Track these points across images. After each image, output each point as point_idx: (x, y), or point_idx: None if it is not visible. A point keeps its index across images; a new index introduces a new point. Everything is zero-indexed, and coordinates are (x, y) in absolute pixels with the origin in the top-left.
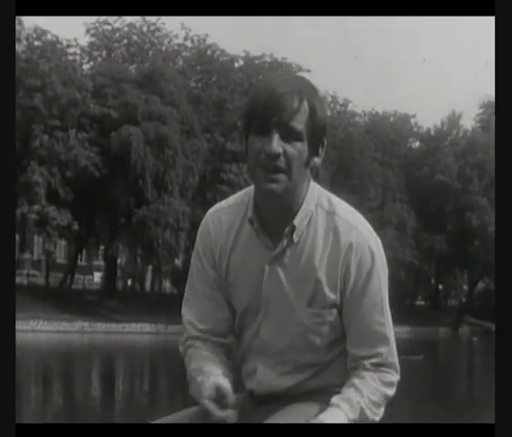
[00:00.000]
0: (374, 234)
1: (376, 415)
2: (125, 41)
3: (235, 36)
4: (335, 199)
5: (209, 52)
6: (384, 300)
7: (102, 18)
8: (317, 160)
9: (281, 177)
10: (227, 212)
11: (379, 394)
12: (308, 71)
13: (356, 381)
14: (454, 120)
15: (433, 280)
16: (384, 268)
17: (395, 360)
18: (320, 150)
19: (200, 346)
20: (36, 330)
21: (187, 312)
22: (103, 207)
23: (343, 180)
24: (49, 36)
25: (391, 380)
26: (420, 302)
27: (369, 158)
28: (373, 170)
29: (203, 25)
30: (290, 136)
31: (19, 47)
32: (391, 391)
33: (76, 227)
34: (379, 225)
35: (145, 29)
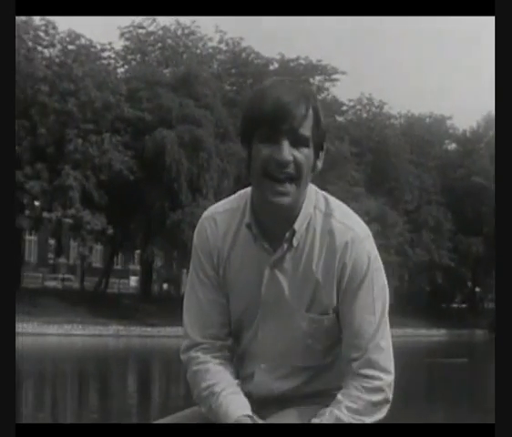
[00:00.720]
0: (371, 235)
1: (356, 421)
2: (159, 44)
3: (270, 39)
4: (332, 200)
5: (243, 55)
6: (377, 302)
7: (136, 22)
8: (319, 164)
9: (291, 188)
10: (223, 217)
11: (362, 402)
12: (343, 73)
13: (340, 393)
14: (490, 122)
15: (469, 283)
16: (380, 270)
17: (386, 361)
18: (321, 154)
19: (204, 359)
20: (71, 334)
21: (188, 319)
22: (138, 210)
23: (378, 183)
24: (83, 40)
25: (375, 385)
26: (457, 305)
27: (405, 161)
28: (408, 172)
29: (238, 28)
30: (298, 142)
31: (53, 51)
32: (377, 397)
33: (110, 231)
34: (415, 227)
35: (179, 32)
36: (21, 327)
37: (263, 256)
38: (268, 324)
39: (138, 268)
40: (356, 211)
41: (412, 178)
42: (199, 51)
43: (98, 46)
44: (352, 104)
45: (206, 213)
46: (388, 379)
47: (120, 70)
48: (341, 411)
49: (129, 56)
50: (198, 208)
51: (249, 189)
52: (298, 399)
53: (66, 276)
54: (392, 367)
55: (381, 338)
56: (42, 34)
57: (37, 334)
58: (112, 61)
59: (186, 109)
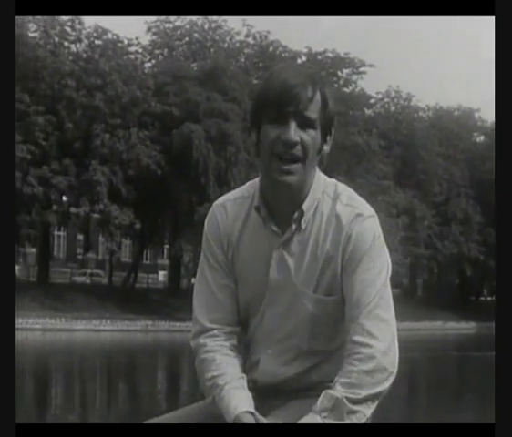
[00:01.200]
0: (376, 216)
1: (352, 394)
2: (186, 39)
3: (297, 32)
4: (341, 187)
5: (271, 49)
6: (378, 276)
7: (163, 16)
8: (326, 148)
9: (297, 167)
10: (233, 204)
11: (354, 374)
12: (371, 66)
13: (335, 377)
14: None
15: None
16: (384, 249)
17: (379, 330)
18: (328, 138)
19: (211, 347)
20: (99, 330)
21: (198, 303)
22: (166, 205)
23: (407, 176)
24: (110, 36)
25: (367, 353)
26: (486, 298)
27: (433, 153)
28: (437, 165)
29: (265, 21)
30: (305, 124)
31: (80, 47)
32: (369, 365)
33: (138, 225)
34: (444, 220)
35: (206, 27)
36: (49, 323)
37: (272, 238)
38: (275, 307)
39: (166, 262)
40: (385, 204)
41: (440, 171)
42: (226, 45)
43: (125, 41)
44: (380, 97)
45: (217, 201)
46: (380, 346)
47: (147, 65)
48: (335, 390)
49: (156, 51)
50: None
51: (257, 179)
52: (302, 390)
53: (95, 271)
54: (387, 337)
55: (376, 307)
56: (68, 29)
57: (66, 330)
58: (139, 56)
59: (213, 103)
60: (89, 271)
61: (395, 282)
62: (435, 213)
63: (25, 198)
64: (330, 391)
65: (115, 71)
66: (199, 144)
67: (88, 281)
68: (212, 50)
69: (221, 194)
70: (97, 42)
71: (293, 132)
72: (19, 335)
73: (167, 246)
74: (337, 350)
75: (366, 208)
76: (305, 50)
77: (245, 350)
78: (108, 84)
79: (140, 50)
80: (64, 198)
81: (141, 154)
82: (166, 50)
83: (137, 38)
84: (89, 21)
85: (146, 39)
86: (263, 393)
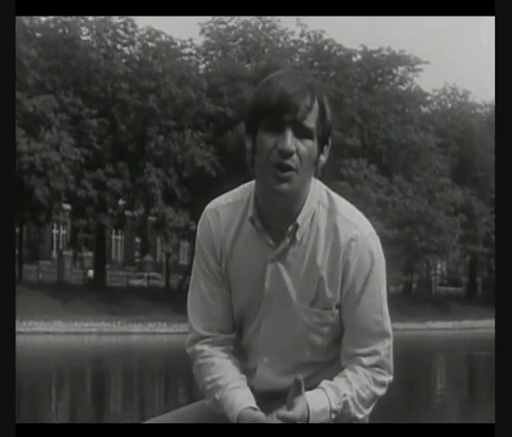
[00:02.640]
0: (374, 233)
1: (360, 413)
2: (240, 39)
3: (352, 31)
4: (335, 197)
5: (325, 47)
6: (383, 300)
7: (216, 17)
8: (323, 158)
9: (293, 175)
10: (226, 210)
11: (369, 392)
12: (426, 63)
13: (349, 373)
14: None
15: None
16: (383, 267)
17: (390, 361)
18: (325, 148)
19: (209, 352)
20: (156, 332)
21: (192, 312)
22: None
23: (464, 173)
24: (163, 37)
25: (383, 380)
26: None
27: (491, 150)
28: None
29: (319, 20)
30: (302, 134)
31: (133, 49)
32: (381, 391)
33: (194, 227)
34: None
35: (260, 27)
36: (105, 326)
37: (266, 250)
38: (271, 318)
39: None
40: (443, 202)
41: None
42: (280, 45)
43: (179, 43)
44: (436, 94)
45: (209, 206)
46: (390, 378)
47: (201, 66)
48: (352, 398)
49: (210, 52)
50: None
51: (253, 183)
52: None
53: (152, 274)
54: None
55: (387, 336)
56: (121, 32)
57: (122, 333)
58: (193, 57)
59: None
60: (146, 274)
61: (454, 281)
62: (494, 210)
63: (79, 201)
64: (348, 399)
65: (168, 73)
66: None
67: (145, 284)
68: (266, 50)
69: None
70: (150, 44)
71: (290, 141)
72: (75, 339)
73: None
74: (335, 359)
75: (364, 224)
76: (360, 48)
77: (241, 355)
78: (162, 86)
79: (194, 52)
80: (120, 202)
81: (196, 155)
82: (220, 51)
83: (190, 40)
84: (142, 23)
85: (199, 40)
86: (261, 398)
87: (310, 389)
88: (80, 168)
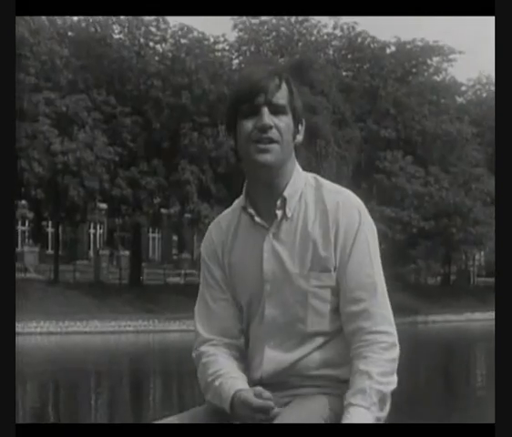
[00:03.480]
0: (362, 205)
1: (390, 384)
2: (273, 34)
3: (385, 22)
4: (322, 179)
5: (359, 40)
6: (374, 256)
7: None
8: (299, 137)
9: (274, 147)
10: (225, 218)
11: (386, 363)
12: (460, 53)
13: (361, 365)
14: None
15: None
16: (372, 227)
17: (387, 312)
18: (300, 128)
19: (213, 352)
20: (192, 330)
21: (197, 319)
22: None
23: None
24: (196, 34)
25: (390, 342)
26: None
27: None
28: None
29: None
30: (276, 111)
31: (165, 46)
32: (394, 354)
33: None
34: None
35: (293, 20)
36: (142, 325)
37: (261, 233)
38: (273, 298)
39: None
40: (479, 192)
41: None
42: (313, 38)
43: (211, 39)
44: (471, 84)
45: (213, 221)
46: (395, 332)
47: (235, 61)
48: (378, 383)
49: (243, 47)
50: None
51: None
52: (308, 378)
53: (189, 271)
54: (393, 319)
55: (382, 292)
56: (153, 29)
57: (159, 331)
58: (226, 53)
59: (301, 97)
60: (183, 272)
61: (493, 272)
62: None
63: (114, 200)
64: (376, 386)
65: (201, 69)
66: None
67: (182, 282)
68: (300, 44)
69: None
70: (182, 41)
71: (267, 118)
72: (112, 338)
73: None
74: (337, 333)
75: (349, 192)
76: (394, 40)
77: (249, 354)
78: (195, 82)
79: (227, 47)
80: (155, 200)
81: (230, 151)
82: (253, 46)
83: (223, 35)
84: (174, 20)
85: (232, 36)
86: (268, 388)
87: (316, 364)
88: (114, 167)
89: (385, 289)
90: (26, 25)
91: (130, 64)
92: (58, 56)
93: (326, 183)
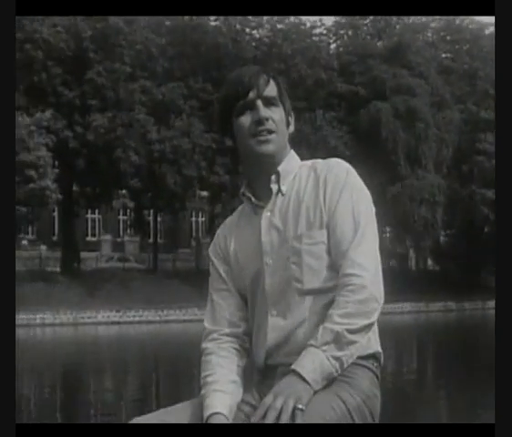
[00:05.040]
0: (349, 166)
1: (351, 325)
2: (371, 17)
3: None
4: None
5: (457, 21)
6: (356, 205)
7: None
8: (291, 128)
9: (273, 137)
10: (231, 217)
11: (349, 304)
12: None
13: (329, 310)
14: None
15: None
16: (359, 186)
17: (363, 257)
18: (290, 119)
19: (211, 350)
20: None
21: (205, 316)
22: None
23: None
24: (292, 19)
25: (359, 283)
26: None
27: None
28: None
29: None
30: (269, 103)
31: (262, 32)
32: (362, 295)
33: None
34: None
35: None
36: None
37: (259, 213)
38: (272, 268)
39: None
40: None
41: None
42: (411, 20)
43: (308, 24)
44: None
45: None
46: (368, 276)
47: (332, 46)
48: (333, 323)
49: (341, 31)
50: (417, 181)
51: None
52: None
53: None
54: (371, 265)
55: (361, 238)
56: (250, 15)
57: None
58: (324, 37)
59: (400, 80)
60: None
61: None
62: None
63: (213, 187)
64: (329, 326)
65: (298, 54)
66: (387, 122)
67: None
68: (398, 27)
69: (412, 172)
70: (279, 26)
71: (263, 110)
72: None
73: None
74: (335, 289)
75: (341, 161)
76: (492, 20)
77: (254, 341)
78: (292, 67)
79: (324, 32)
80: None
81: (328, 135)
82: (350, 30)
83: (320, 20)
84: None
85: (329, 20)
86: (273, 372)
87: (321, 320)
88: (212, 154)
89: (371, 235)
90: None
91: (227, 50)
92: (154, 45)
93: (320, 160)
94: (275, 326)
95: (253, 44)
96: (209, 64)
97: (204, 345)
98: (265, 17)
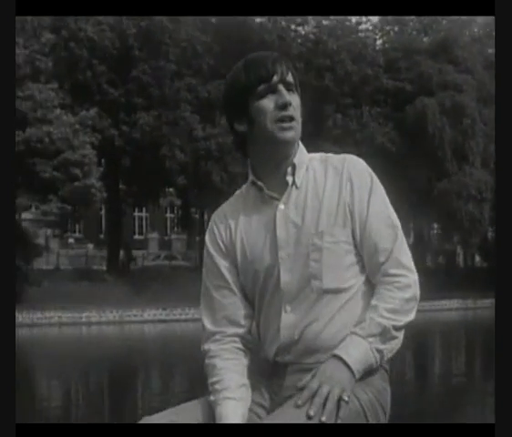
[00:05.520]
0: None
1: (397, 321)
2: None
3: None
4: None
5: None
6: (389, 207)
7: None
8: (302, 118)
9: (294, 124)
10: (230, 204)
11: (396, 301)
12: None
13: (373, 300)
14: None
15: None
16: (381, 185)
17: (407, 259)
18: (301, 108)
19: (214, 352)
20: None
21: (203, 312)
22: (401, 182)
23: None
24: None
25: (405, 282)
26: None
27: None
28: None
29: None
30: (289, 88)
31: (307, 28)
32: (408, 294)
33: None
34: None
35: None
36: None
37: (271, 205)
38: (288, 263)
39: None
40: None
41: None
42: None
43: (354, 20)
44: None
45: (216, 211)
46: (413, 276)
47: (378, 42)
48: (381, 316)
49: (387, 27)
50: (465, 177)
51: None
52: (327, 349)
53: None
54: (413, 266)
55: (402, 239)
56: (295, 15)
57: None
58: (369, 33)
59: (446, 76)
60: None
61: None
62: None
63: None
64: (376, 318)
65: (344, 50)
66: (434, 118)
67: None
68: (444, 22)
69: (459, 169)
70: (324, 22)
71: (286, 95)
72: None
73: (411, 224)
74: (359, 290)
75: (355, 157)
76: None
77: (260, 338)
78: (338, 63)
79: (370, 28)
80: None
81: (375, 132)
82: (396, 26)
83: (366, 16)
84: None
85: (375, 17)
86: (283, 370)
87: (336, 328)
88: None
89: (403, 236)
90: None
91: (272, 47)
92: (199, 42)
93: (331, 154)
94: (289, 323)
95: (299, 40)
96: None
97: (207, 346)
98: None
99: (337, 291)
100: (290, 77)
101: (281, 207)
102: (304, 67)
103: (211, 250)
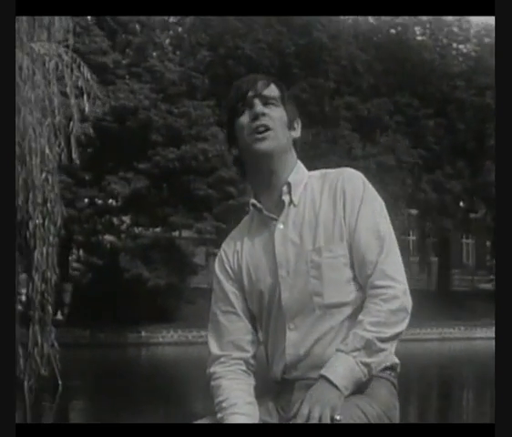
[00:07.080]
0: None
1: (381, 333)
2: None
3: None
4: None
5: None
6: (380, 217)
7: None
8: (295, 133)
9: (270, 133)
10: (238, 229)
11: (381, 313)
12: None
13: (360, 316)
14: None
15: None
16: (375, 194)
17: (394, 269)
18: (296, 125)
19: (219, 374)
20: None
21: (209, 335)
22: None
23: None
24: None
25: (392, 294)
26: None
27: None
28: None
29: None
30: (267, 102)
31: (469, 46)
32: (395, 305)
33: None
34: None
35: None
36: (447, 332)
37: (271, 225)
38: (288, 281)
39: None
40: None
41: None
42: None
43: None
44: None
45: (225, 239)
46: (400, 287)
47: None
48: (365, 330)
49: None
50: None
51: None
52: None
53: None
54: (402, 277)
55: (388, 250)
56: (456, 29)
57: (464, 338)
58: None
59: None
60: (492, 277)
61: None
62: None
63: (420, 205)
64: (359, 332)
65: None
66: None
67: (491, 287)
68: None
69: None
70: (486, 40)
71: (259, 107)
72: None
73: None
74: (354, 303)
75: (352, 170)
76: None
77: (271, 355)
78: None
79: None
80: (461, 203)
81: None
82: None
83: (364, 16)
84: (476, 19)
85: None
86: (290, 386)
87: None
88: (418, 171)
89: (395, 247)
90: (324, 30)
91: (432, 65)
92: (360, 61)
93: (330, 170)
94: (294, 340)
95: (460, 59)
96: (415, 79)
97: (212, 369)
98: (471, 31)
99: (340, 305)
100: (269, 91)
101: (280, 226)
102: (466, 86)
103: (220, 277)
